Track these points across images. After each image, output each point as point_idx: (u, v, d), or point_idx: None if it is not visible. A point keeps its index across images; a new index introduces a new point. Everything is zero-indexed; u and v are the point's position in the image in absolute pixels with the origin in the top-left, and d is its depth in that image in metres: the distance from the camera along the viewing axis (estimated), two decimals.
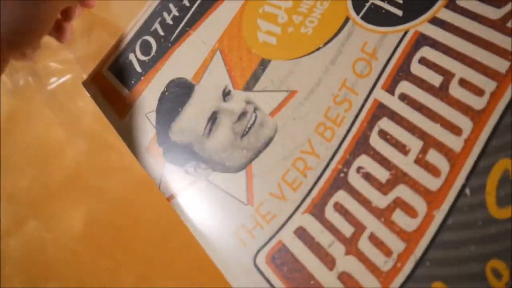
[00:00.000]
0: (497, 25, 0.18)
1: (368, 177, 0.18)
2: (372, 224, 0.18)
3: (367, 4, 0.22)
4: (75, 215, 0.41)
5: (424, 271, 0.16)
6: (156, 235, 0.38)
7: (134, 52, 0.29)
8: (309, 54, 0.22)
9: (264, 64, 0.23)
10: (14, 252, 0.42)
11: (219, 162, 0.22)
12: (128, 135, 0.26)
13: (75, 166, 0.45)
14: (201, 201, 0.22)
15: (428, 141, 0.18)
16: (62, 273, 0.41)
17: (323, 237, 0.18)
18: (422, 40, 0.19)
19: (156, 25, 0.28)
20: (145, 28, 0.29)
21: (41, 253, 0.42)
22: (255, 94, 0.23)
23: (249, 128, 0.22)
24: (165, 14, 0.29)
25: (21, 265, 0.42)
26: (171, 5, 0.29)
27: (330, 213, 0.19)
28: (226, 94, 0.24)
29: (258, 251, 0.20)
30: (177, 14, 0.28)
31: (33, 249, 0.42)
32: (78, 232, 0.40)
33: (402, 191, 0.18)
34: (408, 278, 0.16)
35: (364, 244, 0.18)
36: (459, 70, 0.18)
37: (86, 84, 0.30)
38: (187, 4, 0.28)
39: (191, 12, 0.28)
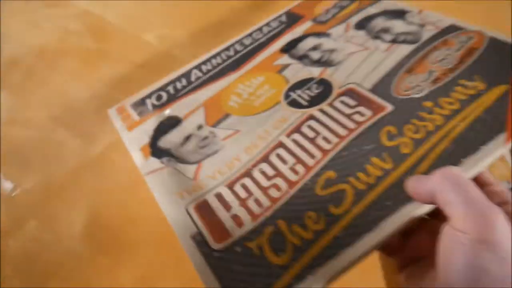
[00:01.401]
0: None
1: (263, 173, 0.33)
2: (257, 193, 0.32)
3: (292, 96, 0.39)
4: (75, 215, 0.41)
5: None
6: (156, 235, 0.39)
7: (150, 99, 0.45)
8: (253, 115, 0.39)
9: (226, 116, 0.40)
10: (14, 252, 0.42)
11: (184, 159, 0.37)
12: (132, 142, 0.41)
13: (75, 166, 0.45)
14: (167, 178, 0.36)
15: (298, 160, 0.33)
16: (62, 273, 0.41)
17: (231, 199, 0.32)
18: (311, 117, 0.36)
19: (171, 89, 0.46)
20: (162, 87, 0.46)
21: (41, 253, 0.42)
22: (216, 129, 0.39)
23: (206, 145, 0.37)
24: (177, 84, 0.46)
25: (21, 265, 0.41)
26: (182, 80, 0.46)
27: (238, 188, 0.33)
28: (199, 127, 0.40)
29: (190, 203, 0.33)
30: (185, 84, 0.46)
31: (33, 249, 0.42)
32: (78, 232, 0.40)
33: (277, 181, 0.32)
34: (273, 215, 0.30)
35: (250, 202, 0.31)
36: (323, 131, 0.34)
37: (113, 114, 0.46)
38: (195, 77, 0.46)
39: (191, 86, 0.45)
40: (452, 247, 0.22)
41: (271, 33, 0.48)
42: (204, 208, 0.32)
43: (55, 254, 0.41)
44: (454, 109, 0.33)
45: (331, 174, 0.32)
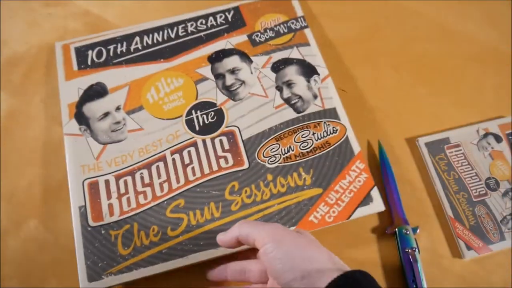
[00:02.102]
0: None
1: (142, 178, 0.47)
2: (131, 194, 0.46)
3: (192, 115, 0.50)
4: None
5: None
6: None
7: (92, 51, 0.53)
8: (159, 118, 0.50)
9: (140, 108, 0.50)
10: (13, 252, 0.43)
11: (96, 135, 0.49)
12: (65, 94, 0.51)
13: None
14: (79, 147, 0.48)
15: (168, 178, 0.47)
16: (62, 273, 0.42)
17: (113, 190, 0.46)
18: (194, 144, 0.48)
19: (111, 50, 0.54)
20: (105, 42, 0.54)
21: (41, 253, 0.43)
22: (128, 117, 0.50)
23: (116, 130, 0.49)
24: (118, 46, 0.54)
25: (21, 265, 0.42)
26: (118, 45, 0.54)
27: (121, 182, 0.47)
28: (117, 109, 0.50)
29: (87, 179, 0.47)
30: (124, 51, 0.54)
31: (33, 249, 0.43)
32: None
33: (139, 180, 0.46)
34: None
35: (124, 199, 0.46)
36: (195, 162, 0.47)
37: (58, 49, 0.54)
38: (134, 48, 0.54)
39: (127, 57, 0.53)
40: (269, 258, 0.32)
41: (212, 30, 0.55)
42: (93, 188, 0.46)
43: (55, 254, 0.43)
44: (280, 192, 0.46)
45: (181, 202, 0.46)
